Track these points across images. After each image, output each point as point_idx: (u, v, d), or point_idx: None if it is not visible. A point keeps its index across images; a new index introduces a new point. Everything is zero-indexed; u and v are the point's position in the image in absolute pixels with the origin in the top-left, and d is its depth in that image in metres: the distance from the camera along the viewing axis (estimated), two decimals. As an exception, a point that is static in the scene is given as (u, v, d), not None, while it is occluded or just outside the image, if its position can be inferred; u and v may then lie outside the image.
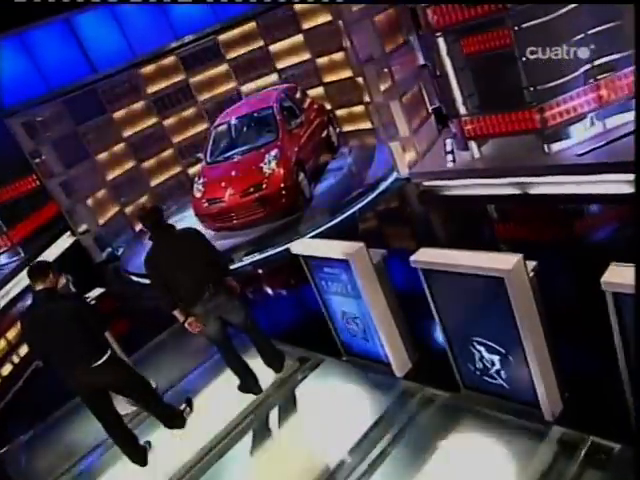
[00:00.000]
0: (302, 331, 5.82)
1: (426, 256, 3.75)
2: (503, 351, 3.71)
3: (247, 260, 8.26)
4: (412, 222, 7.97)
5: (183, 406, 5.18)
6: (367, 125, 11.17)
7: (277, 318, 6.65)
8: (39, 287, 4.38)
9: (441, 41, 6.90)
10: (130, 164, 11.33)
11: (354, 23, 7.94)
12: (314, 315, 5.17)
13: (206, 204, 8.81)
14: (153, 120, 11.60)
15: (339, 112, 11.79)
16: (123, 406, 5.31)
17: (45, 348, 4.51)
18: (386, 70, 8.04)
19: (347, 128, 11.79)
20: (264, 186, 8.45)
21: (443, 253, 3.72)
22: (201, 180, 9.15)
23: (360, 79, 9.70)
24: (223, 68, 12.03)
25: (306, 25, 11.31)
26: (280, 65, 12.00)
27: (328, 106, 11.50)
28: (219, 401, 5.24)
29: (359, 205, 8.50)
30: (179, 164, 12.00)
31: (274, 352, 5.23)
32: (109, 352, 4.57)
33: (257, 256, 8.25)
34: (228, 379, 5.21)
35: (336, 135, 11.14)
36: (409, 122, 8.12)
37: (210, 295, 4.70)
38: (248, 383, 5.10)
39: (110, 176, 10.96)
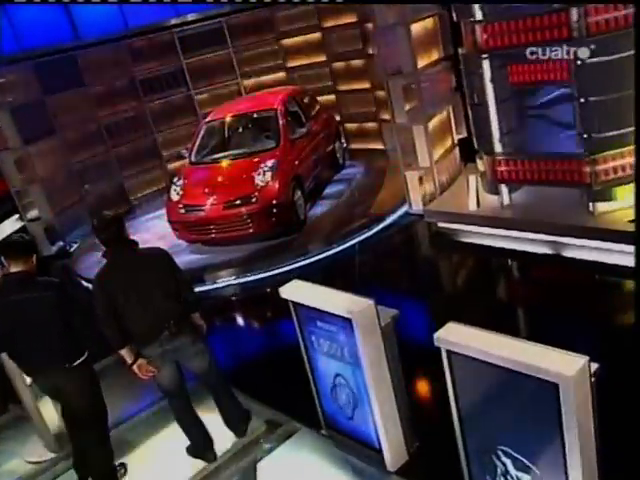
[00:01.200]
0: (276, 387, 5.23)
1: (455, 335, 3.16)
2: (537, 471, 3.13)
3: (220, 284, 7.71)
4: (420, 269, 7.45)
5: (118, 466, 4.57)
6: (378, 145, 10.75)
7: (246, 365, 6.05)
8: (15, 269, 4.08)
9: (486, 64, 6.42)
10: (101, 148, 10.91)
11: (385, 28, 7.44)
12: (294, 369, 4.56)
13: (182, 210, 8.36)
14: (135, 103, 11.25)
15: (348, 126, 11.40)
16: (41, 451, 4.86)
17: (14, 341, 4.13)
18: (414, 86, 7.55)
19: (355, 145, 11.35)
20: (254, 200, 8.00)
21: (477, 334, 3.13)
22: (181, 181, 8.71)
23: (381, 93, 9.23)
24: (225, 57, 11.65)
25: (327, 23, 10.89)
26: (290, 63, 11.58)
27: (337, 117, 11.09)
28: (160, 464, 4.64)
29: (359, 238, 7.99)
30: (157, 156, 11.61)
31: (238, 411, 4.70)
32: (86, 354, 4.25)
33: (232, 281, 7.71)
34: (175, 434, 4.61)
35: (342, 151, 10.75)
36: (431, 150, 7.63)
37: (170, 334, 4.14)
38: (200, 446, 4.54)
39: (75, 159, 10.50)
